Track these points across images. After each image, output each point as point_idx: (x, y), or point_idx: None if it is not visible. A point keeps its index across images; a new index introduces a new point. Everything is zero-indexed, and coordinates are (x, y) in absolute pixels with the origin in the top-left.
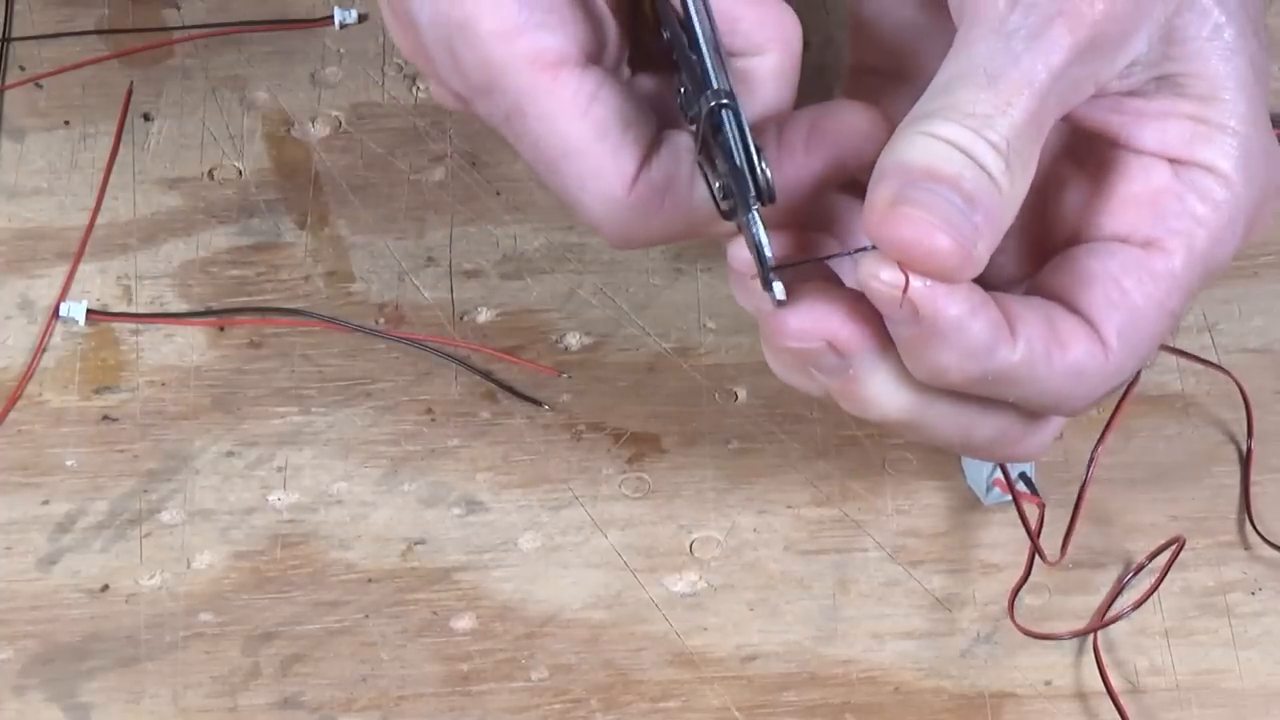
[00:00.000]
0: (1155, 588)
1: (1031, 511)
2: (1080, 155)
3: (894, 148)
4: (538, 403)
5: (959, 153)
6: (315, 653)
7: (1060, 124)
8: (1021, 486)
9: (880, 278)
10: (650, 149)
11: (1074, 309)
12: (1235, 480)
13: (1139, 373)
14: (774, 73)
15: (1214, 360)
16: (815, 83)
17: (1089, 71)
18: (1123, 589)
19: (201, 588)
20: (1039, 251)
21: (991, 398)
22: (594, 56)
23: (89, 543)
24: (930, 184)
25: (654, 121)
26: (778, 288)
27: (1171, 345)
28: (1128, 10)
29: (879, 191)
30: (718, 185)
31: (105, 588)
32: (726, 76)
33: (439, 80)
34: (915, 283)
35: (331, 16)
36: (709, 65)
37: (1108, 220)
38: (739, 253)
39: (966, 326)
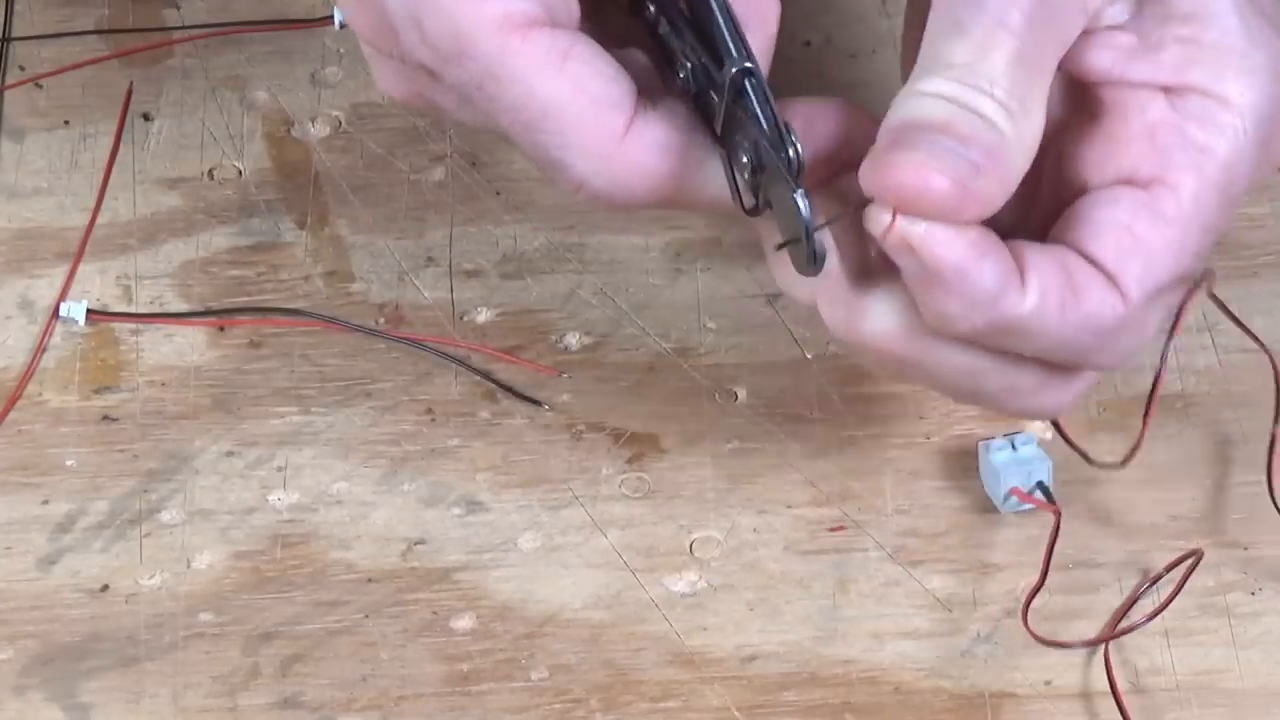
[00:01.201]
0: (1170, 600)
1: (1047, 520)
2: (1080, 105)
3: (889, 114)
4: (538, 403)
5: (947, 102)
6: (315, 653)
7: (1058, 77)
8: (1039, 495)
9: (878, 221)
10: (637, 107)
11: (1089, 258)
12: (1235, 480)
13: (1160, 370)
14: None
15: (1215, 360)
16: (815, 82)
17: (1069, 1)
18: (1137, 598)
19: (201, 588)
20: (1052, 210)
21: (1005, 349)
22: (561, 21)
23: (89, 543)
24: (921, 132)
25: (633, 84)
26: (820, 250)
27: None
28: None
29: (874, 149)
30: (747, 168)
31: (105, 588)
32: (746, 48)
33: (404, 56)
34: (915, 226)
35: (331, 16)
36: (727, 36)
37: (1110, 164)
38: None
39: (970, 271)
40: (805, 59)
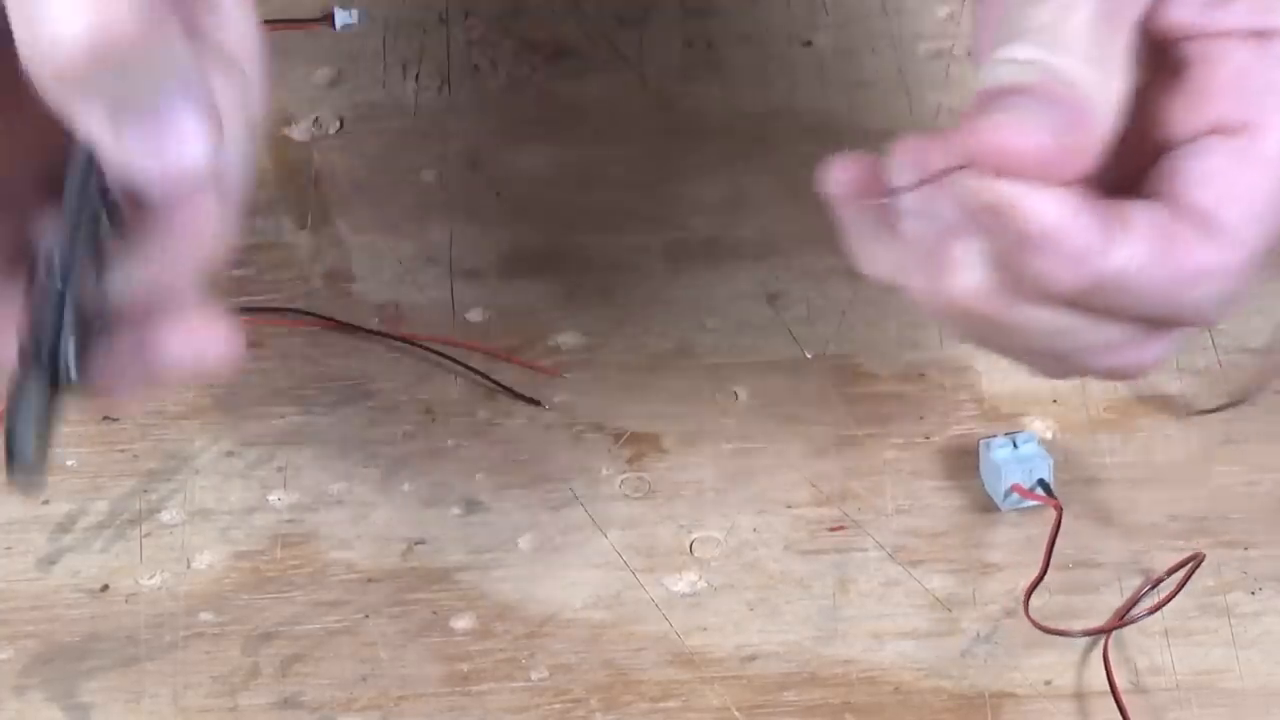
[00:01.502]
0: (1171, 597)
1: (1047, 520)
2: (1164, 64)
3: (979, 84)
4: (537, 403)
5: (1032, 66)
6: (315, 653)
7: (1140, 39)
8: (1039, 491)
9: (973, 186)
10: None
11: (1188, 209)
12: (1235, 480)
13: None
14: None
15: (1215, 360)
16: (815, 82)
17: None
18: (1139, 599)
19: (201, 588)
20: (1137, 171)
21: (1100, 307)
22: None
23: (89, 543)
24: (1010, 96)
25: None
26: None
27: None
28: None
29: (963, 118)
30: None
31: (105, 588)
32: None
33: None
34: (1013, 187)
35: (331, 16)
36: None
37: (1198, 117)
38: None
39: (1069, 226)
40: (805, 59)
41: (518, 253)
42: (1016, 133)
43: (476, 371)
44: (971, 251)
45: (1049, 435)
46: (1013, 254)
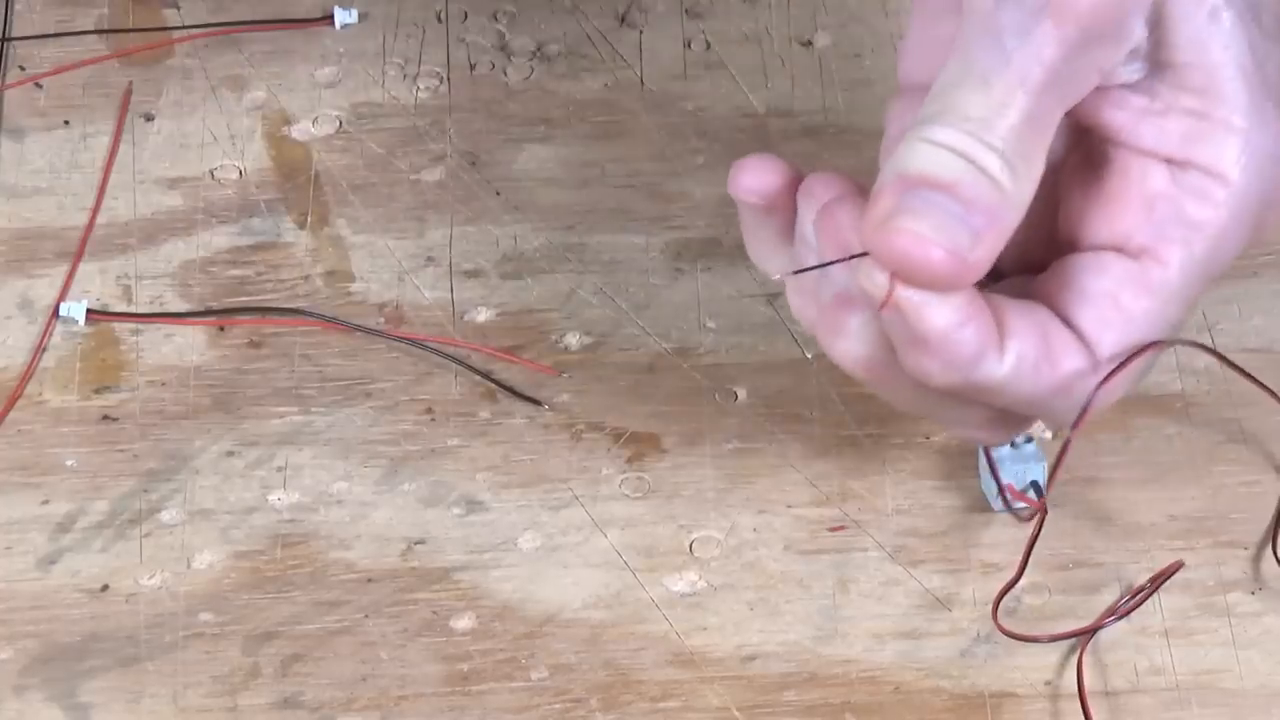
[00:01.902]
0: (1140, 602)
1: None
2: (1082, 152)
3: (894, 157)
4: (538, 403)
5: (957, 157)
6: (315, 653)
7: (1063, 119)
8: (1031, 494)
9: (872, 282)
10: None
11: (1069, 322)
12: (1235, 480)
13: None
14: None
15: (1215, 360)
16: (815, 82)
17: (1087, 62)
18: (1116, 610)
19: (201, 588)
20: (1040, 248)
21: (969, 399)
22: None
23: (89, 543)
24: (927, 192)
25: None
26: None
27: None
28: None
29: (878, 204)
30: None
31: (105, 588)
32: None
33: None
34: (904, 292)
35: (331, 16)
36: None
37: (1104, 226)
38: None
39: (953, 337)
40: (805, 59)
41: (518, 253)
42: (926, 246)
43: (476, 371)
44: (861, 326)
45: (1048, 435)
46: (900, 345)
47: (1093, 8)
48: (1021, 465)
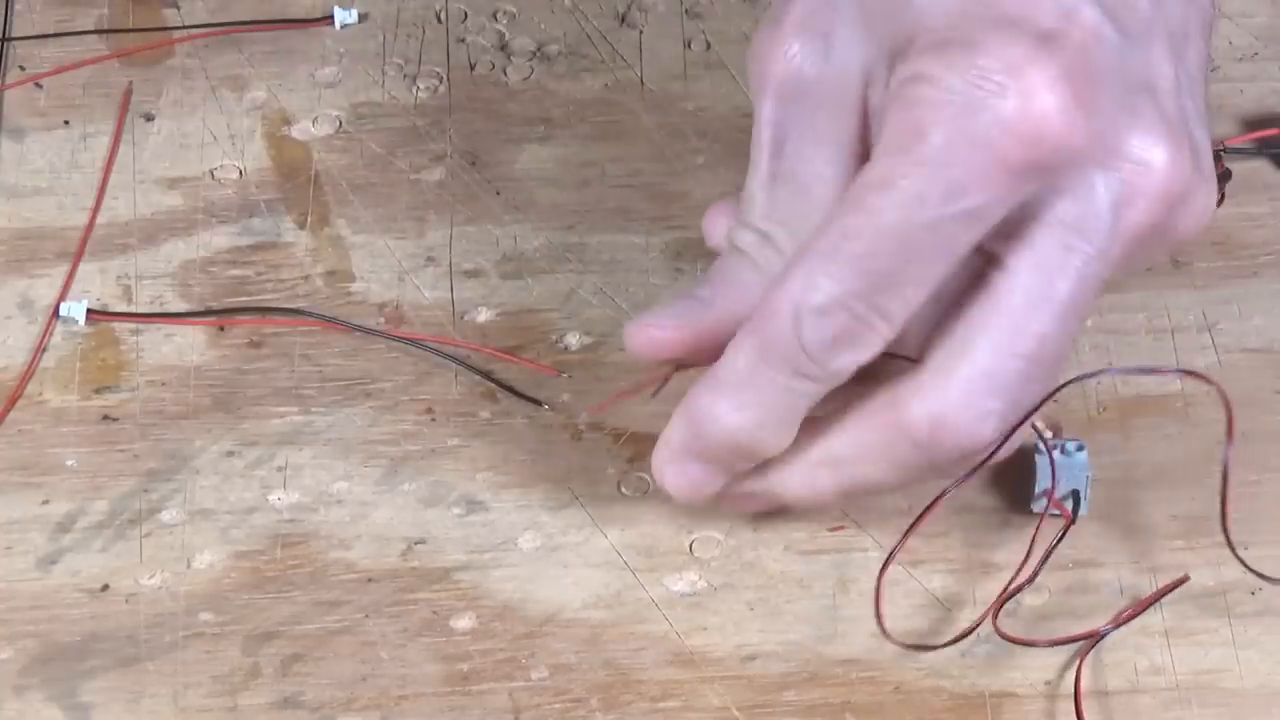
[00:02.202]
0: (1137, 614)
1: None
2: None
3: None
4: (538, 403)
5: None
6: (315, 652)
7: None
8: (1068, 504)
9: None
10: None
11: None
12: (1235, 480)
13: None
14: None
15: (1215, 360)
16: None
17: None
18: (1119, 618)
19: (201, 587)
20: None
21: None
22: None
23: (89, 543)
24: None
25: None
26: None
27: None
28: None
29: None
30: None
31: (105, 588)
32: None
33: None
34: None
35: (331, 16)
36: None
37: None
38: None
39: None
40: None
41: (518, 253)
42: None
43: (476, 371)
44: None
45: (1047, 435)
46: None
47: None
48: (1066, 473)
